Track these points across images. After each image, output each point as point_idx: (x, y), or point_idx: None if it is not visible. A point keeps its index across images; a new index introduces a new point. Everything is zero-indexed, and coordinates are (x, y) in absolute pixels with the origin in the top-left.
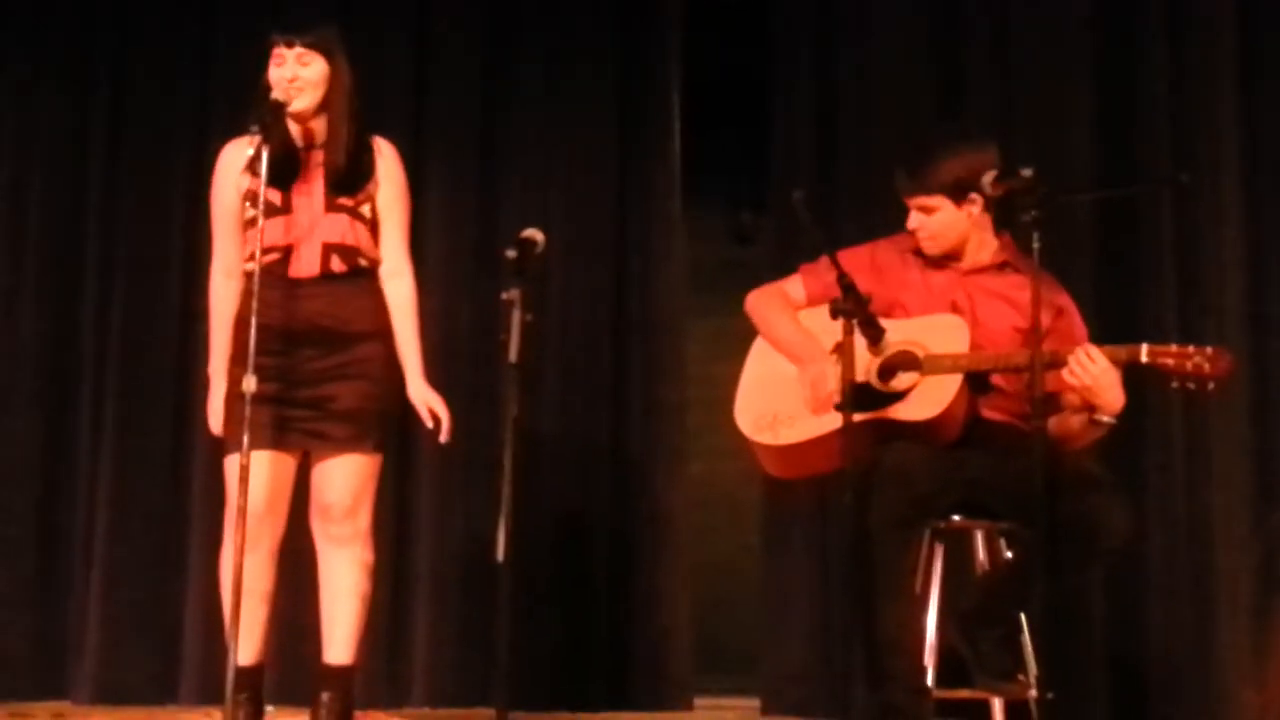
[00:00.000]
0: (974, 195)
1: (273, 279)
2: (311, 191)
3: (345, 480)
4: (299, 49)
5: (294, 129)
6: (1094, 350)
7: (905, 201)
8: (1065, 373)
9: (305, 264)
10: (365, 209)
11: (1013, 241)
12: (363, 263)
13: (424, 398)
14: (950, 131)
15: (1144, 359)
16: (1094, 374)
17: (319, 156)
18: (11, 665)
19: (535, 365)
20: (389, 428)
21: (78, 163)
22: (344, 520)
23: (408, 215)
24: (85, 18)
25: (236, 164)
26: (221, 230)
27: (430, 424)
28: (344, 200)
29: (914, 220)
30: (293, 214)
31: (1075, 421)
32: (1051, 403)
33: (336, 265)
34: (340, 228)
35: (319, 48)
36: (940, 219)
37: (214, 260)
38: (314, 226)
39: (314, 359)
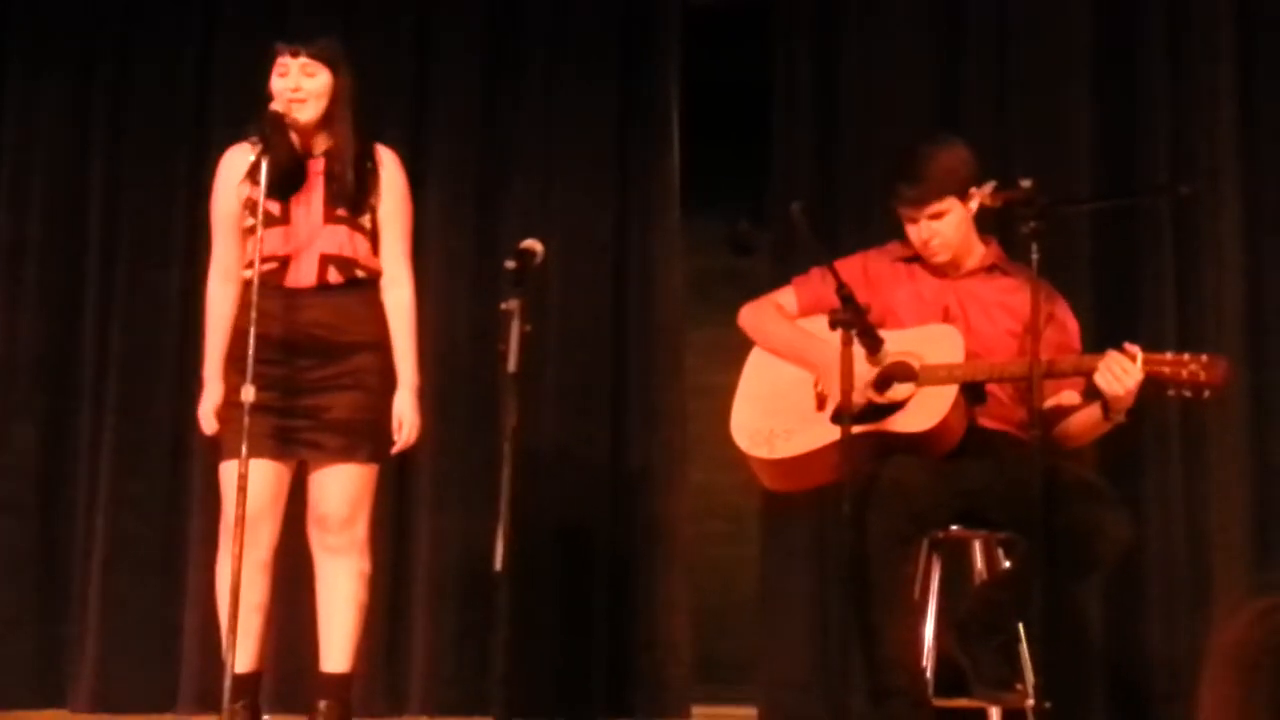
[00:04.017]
0: (972, 190)
1: (269, 289)
2: (310, 202)
3: (341, 491)
4: (304, 59)
5: (294, 139)
6: (1126, 362)
7: (913, 215)
8: (1098, 378)
9: (303, 275)
10: (365, 220)
11: (999, 245)
12: (360, 274)
13: (400, 410)
14: (931, 136)
15: (1140, 367)
16: (1128, 386)
17: (320, 166)
18: (11, 674)
19: (534, 375)
20: (386, 439)
21: (78, 165)
22: (340, 530)
23: (409, 224)
24: (87, 18)
25: (237, 170)
26: (221, 235)
27: (396, 435)
28: (343, 212)
29: (926, 230)
30: (291, 224)
31: (1085, 420)
32: (1051, 413)
33: (333, 276)
34: (339, 239)
35: (324, 59)
36: (951, 221)
37: (212, 264)
38: (312, 238)
39: (310, 369)
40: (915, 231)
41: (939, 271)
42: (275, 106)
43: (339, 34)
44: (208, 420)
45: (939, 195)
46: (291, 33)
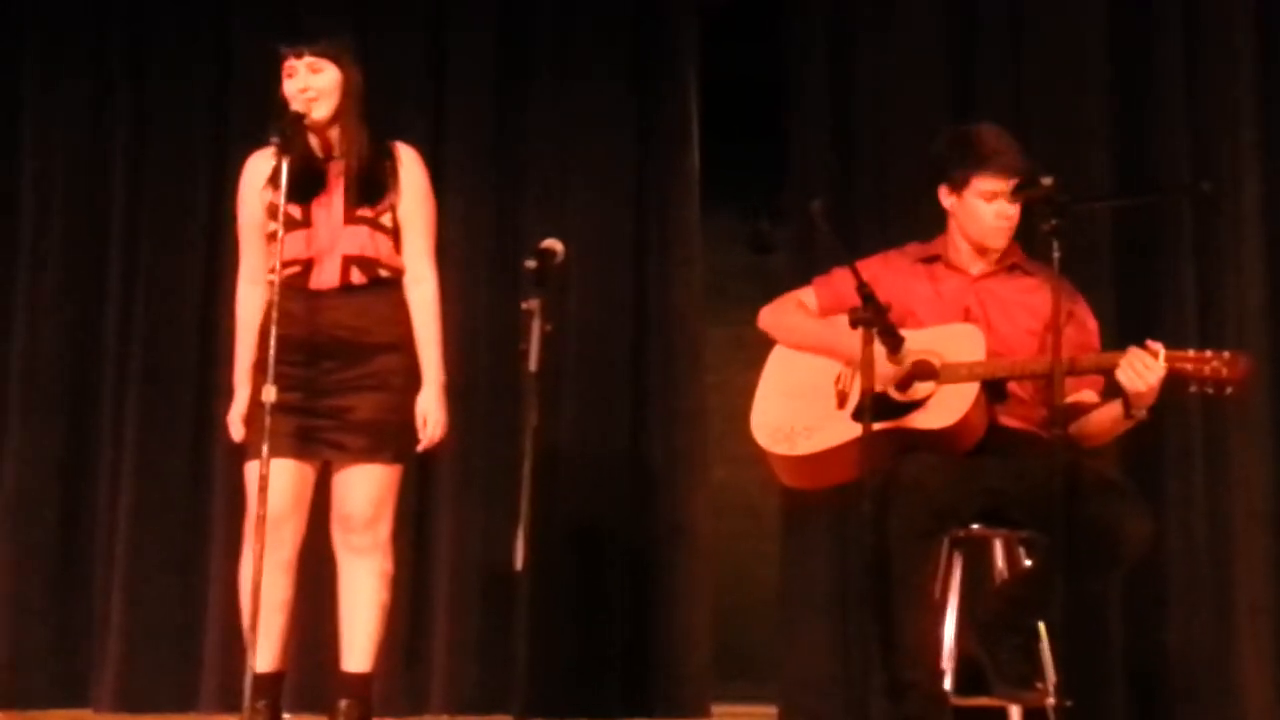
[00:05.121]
0: None
1: (294, 291)
2: (331, 204)
3: (365, 491)
4: (309, 58)
5: (313, 141)
6: (1148, 358)
7: (1002, 189)
8: (1120, 374)
9: (325, 276)
10: (386, 219)
11: (1018, 244)
12: (383, 273)
13: (425, 407)
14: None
15: (1162, 364)
16: (1150, 383)
17: (338, 167)
18: (33, 672)
19: (555, 374)
20: (410, 439)
21: (100, 170)
22: (364, 530)
23: (431, 221)
24: (102, 20)
25: (260, 176)
26: (247, 241)
27: (421, 433)
28: (364, 212)
29: (1011, 208)
30: (313, 227)
31: (1105, 418)
32: (1070, 412)
33: (356, 277)
34: (360, 240)
35: (329, 55)
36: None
37: (240, 270)
38: (334, 239)
39: (334, 370)
40: (991, 209)
41: (959, 271)
42: (295, 107)
43: (352, 35)
44: (236, 426)
45: (1025, 165)
46: (295, 34)
